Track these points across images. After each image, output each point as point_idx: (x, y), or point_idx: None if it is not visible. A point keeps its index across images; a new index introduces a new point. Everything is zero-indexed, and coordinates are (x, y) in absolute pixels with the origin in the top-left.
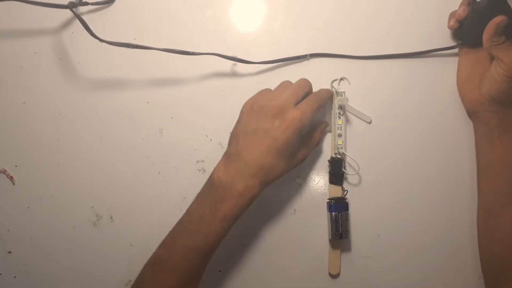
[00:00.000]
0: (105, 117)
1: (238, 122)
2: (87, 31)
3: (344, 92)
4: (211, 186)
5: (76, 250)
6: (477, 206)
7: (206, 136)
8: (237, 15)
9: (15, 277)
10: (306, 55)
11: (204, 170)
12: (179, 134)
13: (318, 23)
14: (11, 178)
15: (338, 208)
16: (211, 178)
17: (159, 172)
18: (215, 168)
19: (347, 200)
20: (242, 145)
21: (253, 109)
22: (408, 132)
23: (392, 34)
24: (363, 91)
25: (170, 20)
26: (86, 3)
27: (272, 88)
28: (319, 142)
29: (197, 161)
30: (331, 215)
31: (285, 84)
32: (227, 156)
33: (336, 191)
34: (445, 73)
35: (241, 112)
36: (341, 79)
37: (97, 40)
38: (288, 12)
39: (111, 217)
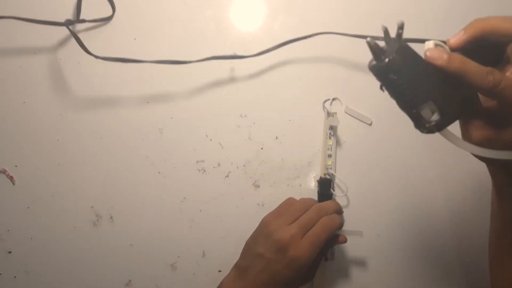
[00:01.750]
0: (105, 117)
1: (252, 236)
2: (82, 48)
3: (336, 112)
4: None
5: (76, 250)
6: (488, 240)
7: (206, 136)
8: (237, 15)
9: (15, 277)
10: (312, 34)
11: (204, 170)
12: (179, 134)
13: (318, 23)
14: (11, 178)
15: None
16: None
17: (159, 172)
18: (225, 278)
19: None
20: (250, 263)
21: (264, 231)
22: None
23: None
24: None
25: (170, 20)
26: (84, 21)
27: None
28: (310, 281)
29: (197, 161)
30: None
31: (301, 207)
32: (238, 268)
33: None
34: None
35: (260, 224)
36: (333, 99)
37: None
38: (288, 12)
39: (111, 217)
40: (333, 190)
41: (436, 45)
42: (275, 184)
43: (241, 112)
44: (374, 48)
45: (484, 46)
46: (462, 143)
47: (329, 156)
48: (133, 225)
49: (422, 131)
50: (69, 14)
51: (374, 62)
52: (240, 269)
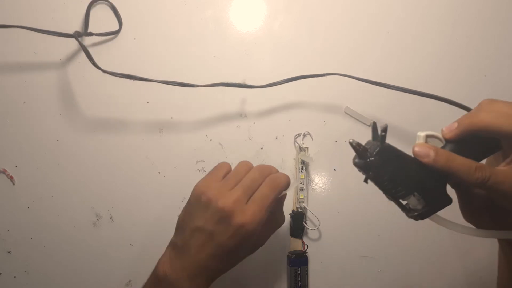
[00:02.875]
0: (105, 117)
1: (186, 209)
2: (90, 61)
3: (308, 147)
4: (157, 281)
5: (76, 250)
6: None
7: (206, 136)
8: (237, 15)
9: (15, 277)
10: (324, 74)
11: (204, 170)
12: (179, 134)
13: (318, 23)
14: (11, 178)
15: (298, 263)
16: (156, 272)
17: (159, 172)
18: (160, 259)
19: (307, 255)
20: (188, 240)
21: (201, 201)
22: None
23: (393, 34)
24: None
25: (170, 20)
26: (91, 34)
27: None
28: (282, 223)
29: (197, 161)
30: (290, 269)
31: (241, 170)
32: (173, 246)
33: (297, 244)
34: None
35: (190, 197)
36: (305, 134)
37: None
38: (288, 12)
39: (111, 217)
40: (306, 223)
41: (428, 136)
42: None
43: (241, 112)
44: (356, 148)
45: (479, 138)
46: (456, 226)
47: (301, 190)
48: (133, 225)
49: (409, 217)
50: (75, 27)
51: (356, 160)
52: (176, 247)
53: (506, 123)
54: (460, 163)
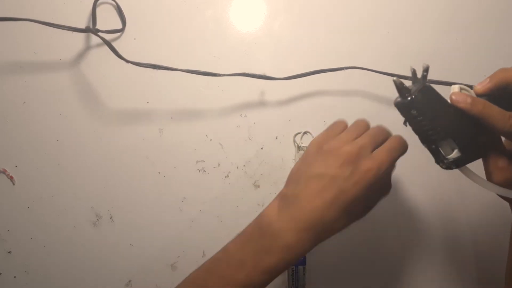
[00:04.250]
0: (105, 117)
1: (302, 161)
2: (114, 53)
3: (306, 147)
4: (259, 230)
5: (76, 250)
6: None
7: (206, 136)
8: (237, 15)
9: (15, 277)
10: (342, 68)
11: (204, 170)
12: (179, 134)
13: (318, 22)
14: (11, 178)
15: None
16: (260, 219)
17: (159, 172)
18: (267, 208)
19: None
20: (302, 188)
21: (322, 149)
22: None
23: (393, 34)
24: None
25: (170, 20)
26: (98, 30)
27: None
28: (389, 191)
29: (197, 161)
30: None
31: (361, 125)
32: (282, 196)
33: None
34: None
35: (307, 150)
36: (305, 133)
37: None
38: (288, 12)
39: (111, 217)
40: None
41: (462, 89)
42: (275, 184)
43: (241, 112)
44: (399, 87)
45: (510, 93)
46: (483, 181)
47: None
48: (133, 225)
49: (441, 167)
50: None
51: (399, 99)
52: (287, 197)
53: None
54: (496, 110)
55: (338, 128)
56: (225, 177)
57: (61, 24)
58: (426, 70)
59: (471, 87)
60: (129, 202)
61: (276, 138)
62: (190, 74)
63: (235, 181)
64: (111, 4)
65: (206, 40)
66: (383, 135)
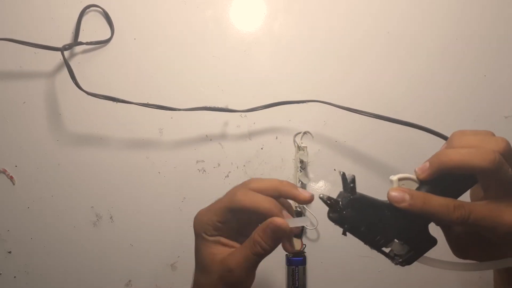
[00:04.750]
0: (105, 117)
1: None
2: (72, 81)
3: (306, 147)
4: None
5: (76, 250)
6: None
7: (206, 136)
8: (237, 15)
9: (15, 277)
10: (305, 101)
11: (204, 170)
12: (179, 134)
13: (318, 22)
14: (11, 178)
15: (296, 262)
16: None
17: (159, 172)
18: None
19: (305, 254)
20: None
21: None
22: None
23: (393, 33)
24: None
25: (170, 20)
26: (81, 43)
27: None
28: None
29: (197, 161)
30: (288, 268)
31: None
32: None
33: (296, 244)
34: None
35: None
36: (305, 133)
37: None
38: (288, 12)
39: (111, 217)
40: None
41: (401, 179)
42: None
43: (241, 112)
44: (327, 203)
45: (454, 176)
46: (442, 264)
47: None
48: (133, 225)
49: (396, 265)
50: (67, 34)
51: (330, 214)
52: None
53: (476, 158)
54: (438, 204)
55: None
56: (225, 177)
57: (40, 41)
58: (352, 181)
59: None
60: (129, 202)
61: (276, 138)
62: (147, 107)
63: (235, 181)
64: (100, 12)
65: (206, 40)
66: None
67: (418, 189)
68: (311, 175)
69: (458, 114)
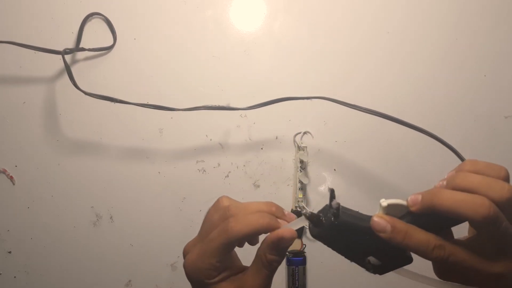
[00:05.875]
0: (105, 117)
1: None
2: (71, 82)
3: (306, 147)
4: None
5: (76, 250)
6: None
7: (206, 136)
8: (237, 15)
9: (15, 277)
10: (309, 97)
11: (204, 170)
12: (179, 134)
13: (318, 22)
14: (11, 178)
15: (296, 262)
16: None
17: (159, 172)
18: None
19: (305, 254)
20: None
21: None
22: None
23: (393, 33)
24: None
25: (170, 21)
26: (83, 49)
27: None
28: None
29: (197, 161)
30: (288, 268)
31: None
32: None
33: (296, 244)
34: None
35: None
36: (305, 133)
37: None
38: (288, 12)
39: (111, 217)
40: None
41: (390, 205)
42: (275, 184)
43: (241, 112)
44: (310, 219)
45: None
46: (422, 279)
47: (300, 189)
48: (133, 225)
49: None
50: (71, 40)
51: (312, 230)
52: None
53: (469, 209)
54: (418, 240)
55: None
56: (225, 177)
57: (41, 45)
58: (337, 208)
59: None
60: (129, 202)
61: (276, 138)
62: (147, 107)
63: (235, 181)
64: (102, 19)
65: (206, 40)
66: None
67: (404, 216)
68: (311, 175)
69: (458, 114)
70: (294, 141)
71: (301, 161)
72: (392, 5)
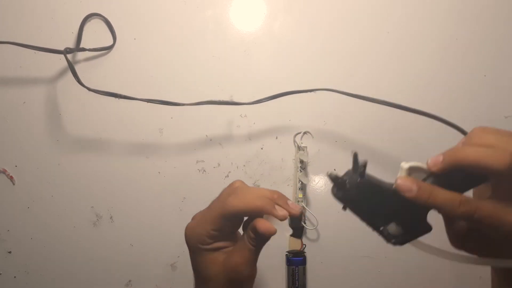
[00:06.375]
0: (105, 117)
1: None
2: (75, 79)
3: (306, 147)
4: None
5: (76, 250)
6: None
7: (206, 136)
8: (237, 15)
9: (15, 277)
10: (313, 90)
11: (204, 170)
12: (179, 134)
13: (318, 22)
14: (11, 178)
15: (296, 262)
16: None
17: (159, 172)
18: None
19: (305, 254)
20: None
21: None
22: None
23: (393, 33)
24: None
25: (170, 21)
26: (84, 49)
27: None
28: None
29: (197, 161)
30: (288, 268)
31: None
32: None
33: (296, 244)
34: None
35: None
36: (305, 133)
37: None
38: (288, 12)
39: (111, 217)
40: (305, 223)
41: (412, 167)
42: (275, 184)
43: (241, 112)
44: (334, 180)
45: (464, 172)
46: (435, 251)
47: (300, 189)
48: (133, 225)
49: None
50: (71, 41)
51: (335, 191)
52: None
53: (492, 159)
54: (444, 198)
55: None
56: (225, 177)
57: (43, 44)
58: (364, 165)
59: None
60: (129, 202)
61: (276, 138)
62: (151, 103)
63: None
64: (101, 19)
65: (206, 40)
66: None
67: (425, 179)
68: (311, 175)
69: (458, 114)
70: (294, 141)
71: (301, 161)
72: (392, 5)
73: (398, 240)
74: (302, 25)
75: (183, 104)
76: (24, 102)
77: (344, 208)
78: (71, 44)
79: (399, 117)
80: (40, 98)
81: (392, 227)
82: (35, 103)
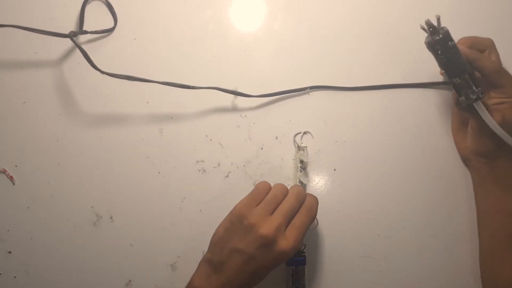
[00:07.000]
0: (104, 117)
1: (225, 228)
2: (88, 62)
3: (306, 147)
4: None
5: (76, 250)
6: (479, 249)
7: (206, 136)
8: (237, 15)
9: (15, 277)
10: (306, 88)
11: (204, 170)
12: (179, 134)
13: (318, 22)
14: (11, 178)
15: (296, 262)
16: (191, 286)
17: (159, 172)
18: (196, 275)
19: (305, 254)
20: (226, 258)
21: (242, 224)
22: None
23: (393, 33)
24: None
25: (169, 20)
26: (86, 32)
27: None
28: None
29: (197, 161)
30: (287, 268)
31: (280, 193)
32: (209, 263)
33: None
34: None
35: (231, 217)
36: (305, 133)
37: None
38: (288, 12)
39: (111, 217)
40: None
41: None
42: None
43: (241, 112)
44: (431, 26)
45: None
46: (491, 120)
47: None
48: (133, 225)
49: (462, 103)
50: (70, 25)
51: (433, 37)
52: (214, 264)
53: (487, 64)
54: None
55: (261, 194)
56: (225, 177)
57: (47, 28)
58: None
59: None
60: (129, 202)
61: (276, 138)
62: (167, 85)
63: (235, 181)
64: (103, 2)
65: (206, 40)
66: (297, 207)
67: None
68: (311, 175)
69: None
70: (294, 141)
71: (301, 161)
72: (392, 5)
73: (478, 92)
74: (302, 25)
75: (194, 87)
76: (24, 102)
77: (440, 55)
78: (68, 29)
79: (399, 117)
80: (40, 98)
81: (466, 91)
82: (35, 103)
